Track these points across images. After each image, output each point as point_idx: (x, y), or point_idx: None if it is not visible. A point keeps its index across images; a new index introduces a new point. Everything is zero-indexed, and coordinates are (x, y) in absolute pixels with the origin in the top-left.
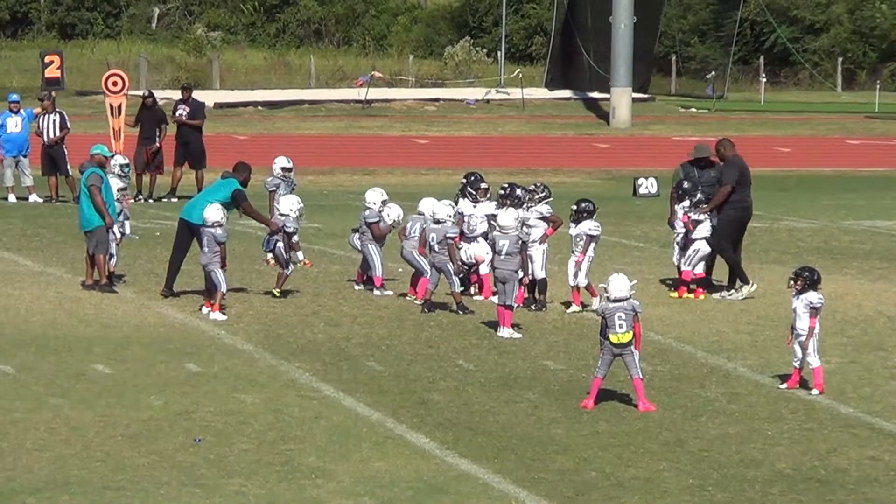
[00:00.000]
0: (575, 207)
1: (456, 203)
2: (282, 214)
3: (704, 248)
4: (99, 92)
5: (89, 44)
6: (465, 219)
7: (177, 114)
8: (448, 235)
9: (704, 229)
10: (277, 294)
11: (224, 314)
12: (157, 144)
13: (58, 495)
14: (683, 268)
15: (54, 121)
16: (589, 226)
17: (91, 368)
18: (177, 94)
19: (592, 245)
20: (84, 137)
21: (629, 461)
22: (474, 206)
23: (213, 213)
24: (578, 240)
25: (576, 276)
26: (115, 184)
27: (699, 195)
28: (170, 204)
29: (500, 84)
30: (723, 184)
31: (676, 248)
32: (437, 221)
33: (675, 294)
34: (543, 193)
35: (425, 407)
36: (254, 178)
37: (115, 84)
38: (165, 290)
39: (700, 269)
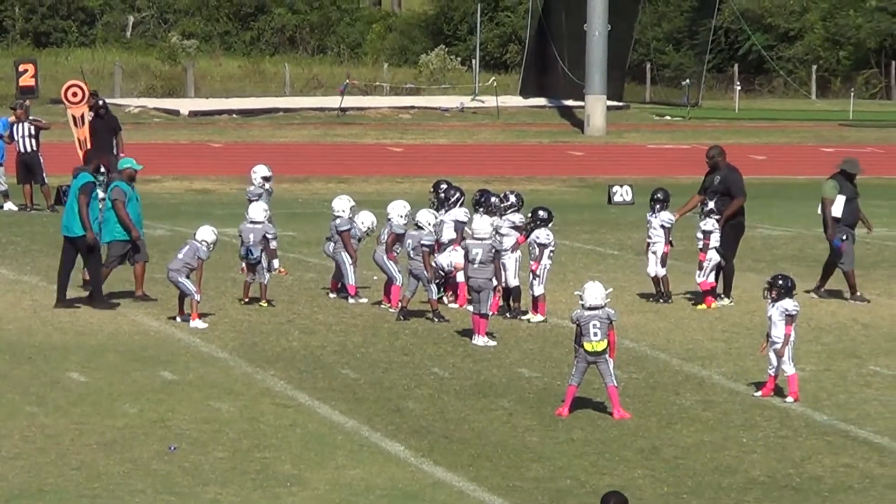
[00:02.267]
0: (530, 215)
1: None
2: (256, 223)
3: (716, 257)
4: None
5: (64, 52)
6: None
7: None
8: (423, 243)
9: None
10: (265, 305)
11: (205, 322)
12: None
13: (32, 503)
14: (699, 279)
15: (28, 129)
16: (538, 234)
17: (66, 376)
18: (152, 102)
19: (547, 253)
20: (59, 145)
21: (604, 469)
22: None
23: (206, 234)
24: (531, 248)
25: (532, 285)
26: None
27: (711, 205)
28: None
29: (475, 93)
30: (734, 196)
31: (653, 256)
32: (417, 227)
33: (704, 306)
34: (515, 202)
35: (400, 415)
36: (234, 188)
37: (74, 95)
38: (58, 303)
39: (712, 277)
